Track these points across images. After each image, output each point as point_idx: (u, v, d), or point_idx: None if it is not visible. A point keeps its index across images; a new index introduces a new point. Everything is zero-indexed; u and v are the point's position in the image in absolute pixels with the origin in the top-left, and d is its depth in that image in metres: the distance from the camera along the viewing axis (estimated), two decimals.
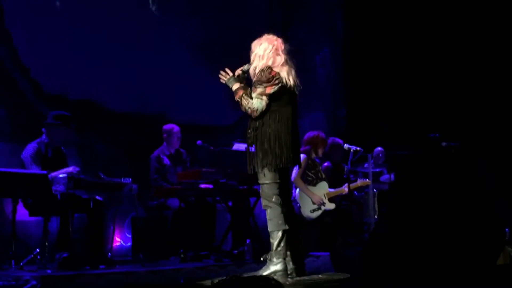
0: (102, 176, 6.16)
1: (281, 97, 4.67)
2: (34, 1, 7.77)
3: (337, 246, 6.43)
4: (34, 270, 5.43)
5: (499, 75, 8.94)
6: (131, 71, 8.36)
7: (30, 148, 6.06)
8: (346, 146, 6.83)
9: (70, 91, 7.85)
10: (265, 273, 4.60)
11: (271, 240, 4.66)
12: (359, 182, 7.08)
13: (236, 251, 6.77)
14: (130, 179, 6.23)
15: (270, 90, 4.61)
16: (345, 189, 6.48)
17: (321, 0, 10.56)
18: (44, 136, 6.16)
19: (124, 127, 8.26)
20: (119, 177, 6.30)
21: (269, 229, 4.68)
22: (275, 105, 4.66)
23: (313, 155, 6.57)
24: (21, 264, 5.55)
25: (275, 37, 4.85)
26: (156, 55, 8.64)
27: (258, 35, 4.91)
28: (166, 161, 7.23)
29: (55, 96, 7.73)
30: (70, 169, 5.97)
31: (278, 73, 4.66)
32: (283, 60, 4.73)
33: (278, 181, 4.66)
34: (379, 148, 8.54)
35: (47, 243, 5.66)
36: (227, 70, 4.82)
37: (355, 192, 7.61)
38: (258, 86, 4.64)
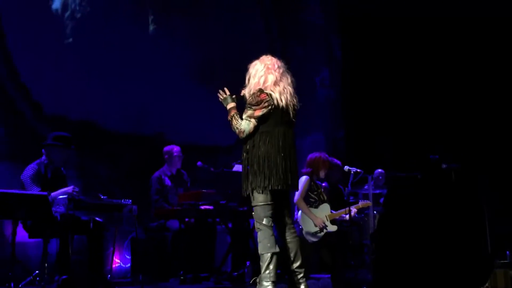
0: (102, 197, 6.13)
1: (271, 118, 4.70)
2: (35, 22, 7.79)
3: (338, 268, 6.39)
4: None
5: (499, 96, 8.98)
6: (131, 92, 8.38)
7: (30, 169, 6.03)
8: (346, 168, 6.81)
9: (70, 112, 7.85)
10: None
11: (261, 263, 4.65)
12: (361, 204, 7.07)
13: (236, 273, 6.73)
14: (130, 200, 6.20)
15: (259, 113, 4.66)
16: (350, 209, 6.47)
17: (319, 22, 10.63)
18: (44, 157, 6.14)
19: (124, 148, 8.26)
20: (119, 198, 6.28)
21: (259, 252, 4.68)
22: (266, 127, 4.70)
23: (315, 177, 6.55)
24: (20, 286, 5.53)
25: (269, 57, 4.88)
26: (156, 76, 8.67)
27: (256, 56, 4.94)
28: (168, 182, 7.22)
29: (55, 117, 7.72)
30: (69, 189, 5.92)
31: (270, 95, 4.68)
32: (275, 78, 4.74)
33: (270, 203, 4.66)
34: (379, 170, 8.55)
35: (46, 265, 5.61)
36: (225, 89, 4.88)
37: (355, 214, 7.59)
38: (248, 108, 4.71)
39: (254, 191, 4.66)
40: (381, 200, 8.30)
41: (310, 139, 9.68)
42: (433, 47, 9.47)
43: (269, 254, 4.60)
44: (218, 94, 4.90)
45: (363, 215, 8.00)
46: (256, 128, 4.69)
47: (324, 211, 6.40)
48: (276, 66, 4.80)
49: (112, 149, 8.18)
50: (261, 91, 4.69)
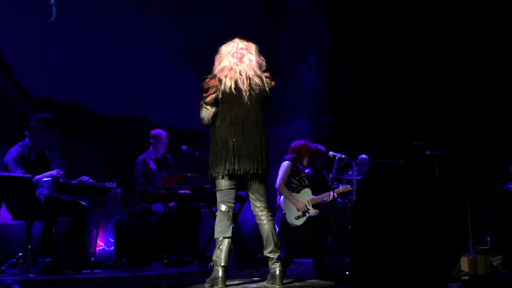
0: (84, 180, 6.11)
1: (225, 103, 4.68)
2: (19, 0, 7.72)
3: (320, 253, 6.45)
4: (17, 274, 5.39)
5: (484, 85, 9.04)
6: (116, 75, 8.34)
7: (13, 151, 6.00)
8: (331, 153, 6.84)
9: (54, 93, 7.81)
10: (208, 279, 4.66)
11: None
12: (341, 188, 7.10)
13: None
14: (115, 184, 6.19)
15: (208, 99, 4.67)
16: (331, 193, 6.50)
17: (307, 8, 10.60)
18: (27, 139, 6.11)
19: (108, 131, 8.24)
20: (103, 181, 6.27)
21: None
22: (221, 112, 4.69)
23: (297, 163, 6.59)
24: (3, 267, 5.52)
25: (231, 42, 4.84)
26: (141, 59, 8.63)
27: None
28: (152, 165, 7.21)
29: (39, 99, 7.69)
30: (54, 172, 5.91)
31: (220, 80, 4.66)
32: (225, 65, 4.71)
33: (226, 188, 4.66)
34: (364, 156, 8.56)
35: (30, 247, 5.60)
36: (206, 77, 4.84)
37: (339, 199, 7.63)
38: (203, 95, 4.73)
39: (212, 177, 4.70)
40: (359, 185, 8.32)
41: (294, 124, 9.70)
42: (422, 31, 9.47)
43: (220, 239, 4.63)
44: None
45: (346, 200, 8.04)
46: (216, 113, 4.69)
47: (305, 195, 6.43)
48: (233, 51, 4.76)
49: (96, 132, 8.15)
50: (211, 77, 4.70)
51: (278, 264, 4.69)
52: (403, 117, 9.20)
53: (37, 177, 5.81)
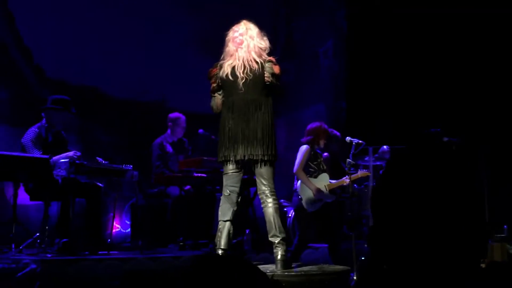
0: (100, 161, 6.15)
1: (225, 89, 4.73)
2: None
3: (336, 238, 6.43)
4: (34, 254, 5.44)
5: (501, 69, 8.93)
6: (132, 59, 8.37)
7: (31, 132, 6.04)
8: (348, 138, 6.78)
9: (72, 76, 7.85)
10: None
11: None
12: (360, 173, 7.05)
13: (234, 241, 6.74)
14: (131, 166, 6.22)
15: (211, 87, 4.77)
16: (346, 180, 6.47)
17: None
18: (44, 121, 6.14)
19: (124, 114, 8.28)
20: (119, 163, 6.30)
21: None
22: (225, 98, 4.75)
23: (315, 146, 6.55)
24: (21, 247, 5.56)
25: (234, 26, 4.87)
26: (158, 43, 8.64)
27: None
28: (169, 148, 7.22)
29: (57, 81, 7.73)
30: (71, 153, 5.96)
31: (220, 66, 4.72)
32: (228, 50, 4.76)
33: (229, 172, 4.73)
34: (386, 147, 8.41)
35: (47, 228, 5.66)
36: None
37: (355, 185, 7.60)
38: None
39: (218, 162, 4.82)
40: (382, 172, 8.27)
41: (311, 110, 9.66)
42: (438, 20, 9.39)
43: (220, 222, 4.72)
44: None
45: (362, 186, 8.00)
46: (222, 101, 4.76)
47: (323, 180, 6.40)
48: (234, 36, 4.78)
49: (113, 115, 8.19)
50: (213, 66, 4.79)
51: (279, 248, 4.63)
52: (420, 102, 9.12)
53: (55, 158, 5.85)
